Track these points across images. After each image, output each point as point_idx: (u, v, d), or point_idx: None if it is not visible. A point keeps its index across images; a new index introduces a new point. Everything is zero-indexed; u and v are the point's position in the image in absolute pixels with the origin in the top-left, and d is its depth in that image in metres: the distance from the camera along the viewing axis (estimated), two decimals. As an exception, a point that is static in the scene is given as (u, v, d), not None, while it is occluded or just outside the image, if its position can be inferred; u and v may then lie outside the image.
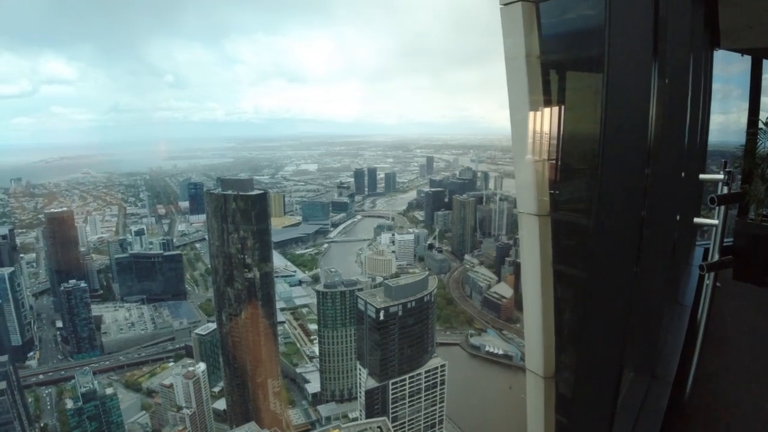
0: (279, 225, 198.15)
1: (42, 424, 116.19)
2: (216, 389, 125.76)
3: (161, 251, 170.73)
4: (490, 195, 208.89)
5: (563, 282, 7.05)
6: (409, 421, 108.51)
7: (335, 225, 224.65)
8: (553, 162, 6.84)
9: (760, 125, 12.61)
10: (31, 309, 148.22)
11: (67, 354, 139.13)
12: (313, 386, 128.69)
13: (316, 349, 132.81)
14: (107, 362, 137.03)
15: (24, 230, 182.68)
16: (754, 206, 11.71)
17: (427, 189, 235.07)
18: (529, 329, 7.37)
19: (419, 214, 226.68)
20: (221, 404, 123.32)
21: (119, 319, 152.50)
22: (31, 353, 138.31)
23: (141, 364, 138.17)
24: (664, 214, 8.38)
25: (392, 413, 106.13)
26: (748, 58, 15.68)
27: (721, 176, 6.31)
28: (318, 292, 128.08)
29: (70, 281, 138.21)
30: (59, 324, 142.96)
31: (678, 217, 9.64)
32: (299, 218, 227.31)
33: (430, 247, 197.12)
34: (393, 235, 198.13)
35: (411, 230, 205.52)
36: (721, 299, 8.32)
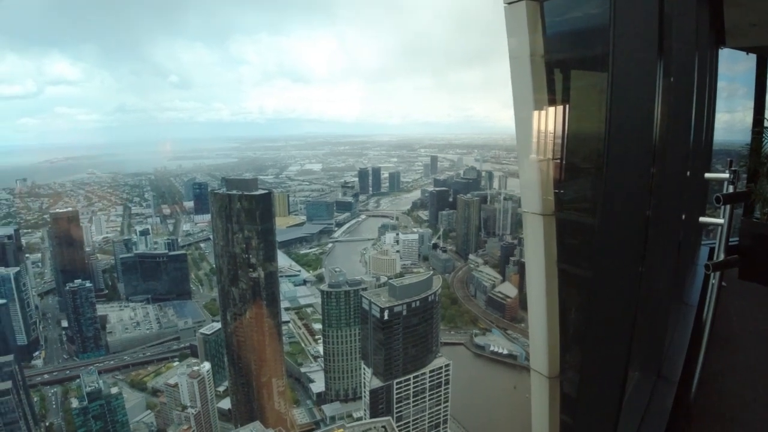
0: (283, 225, 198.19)
1: (47, 424, 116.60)
2: (221, 388, 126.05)
3: (166, 251, 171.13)
4: (495, 194, 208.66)
5: (568, 281, 7.04)
6: (413, 420, 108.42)
7: (339, 225, 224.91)
8: (558, 161, 6.84)
9: (766, 124, 12.54)
10: (37, 309, 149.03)
11: (73, 353, 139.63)
12: (318, 386, 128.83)
13: (321, 349, 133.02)
14: (112, 362, 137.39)
15: (29, 230, 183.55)
16: (759, 205, 11.64)
17: (431, 188, 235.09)
18: (534, 329, 7.36)
19: (423, 214, 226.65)
20: (226, 403, 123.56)
21: (124, 318, 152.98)
22: (37, 353, 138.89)
23: (146, 364, 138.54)
24: (670, 213, 8.36)
25: (397, 413, 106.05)
26: (753, 57, 15.60)
27: (726, 175, 6.28)
28: (322, 291, 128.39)
29: (76, 281, 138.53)
30: (64, 323, 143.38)
31: (683, 217, 9.61)
32: (303, 218, 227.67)
33: (435, 246, 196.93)
34: (397, 234, 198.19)
35: (415, 230, 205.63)
36: (726, 299, 8.28)
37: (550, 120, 6.71)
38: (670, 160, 7.68)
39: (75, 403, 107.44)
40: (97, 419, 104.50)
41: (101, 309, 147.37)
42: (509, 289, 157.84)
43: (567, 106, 6.79)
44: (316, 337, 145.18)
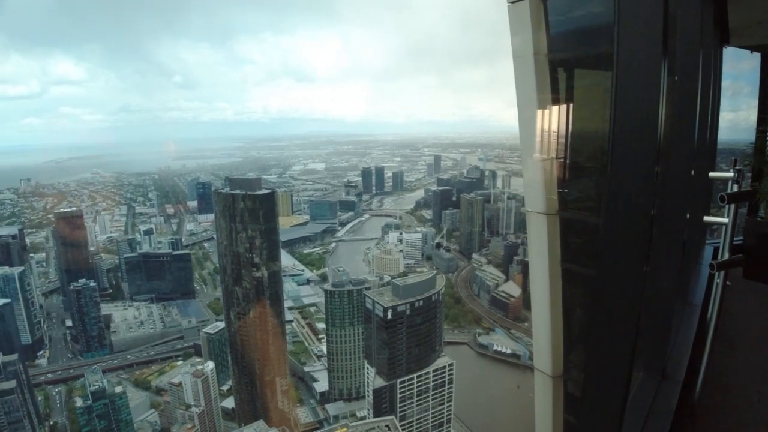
0: (287, 224, 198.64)
1: (51, 423, 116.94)
2: (224, 387, 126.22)
3: (170, 250, 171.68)
4: (498, 193, 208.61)
5: (572, 281, 7.02)
6: (416, 420, 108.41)
7: (343, 224, 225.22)
8: (562, 160, 6.82)
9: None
10: (41, 308, 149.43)
11: (77, 352, 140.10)
12: (321, 385, 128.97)
13: (324, 348, 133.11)
14: (116, 361, 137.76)
15: (34, 230, 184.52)
16: (764, 204, 11.61)
17: (434, 188, 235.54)
18: (538, 328, 7.34)
19: (427, 213, 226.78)
20: (230, 402, 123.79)
21: (128, 317, 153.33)
22: (41, 352, 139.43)
23: (150, 363, 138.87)
24: (674, 212, 8.34)
25: (400, 412, 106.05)
26: (757, 55, 15.54)
27: (730, 174, 6.26)
28: (326, 291, 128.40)
29: (80, 280, 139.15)
30: (69, 323, 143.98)
31: (688, 216, 9.59)
32: (307, 217, 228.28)
33: (438, 246, 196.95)
34: (401, 234, 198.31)
35: (419, 229, 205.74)
36: (731, 298, 8.25)
37: (553, 119, 6.70)
38: (675, 159, 7.66)
39: (79, 402, 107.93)
40: (101, 418, 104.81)
41: (105, 308, 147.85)
42: (513, 289, 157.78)
43: (571, 105, 6.77)
44: (320, 336, 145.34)
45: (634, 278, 5.51)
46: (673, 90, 6.17)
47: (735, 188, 6.21)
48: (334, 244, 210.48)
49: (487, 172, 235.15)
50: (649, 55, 5.03)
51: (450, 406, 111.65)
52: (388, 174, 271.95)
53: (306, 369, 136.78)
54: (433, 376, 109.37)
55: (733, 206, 6.04)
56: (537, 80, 6.52)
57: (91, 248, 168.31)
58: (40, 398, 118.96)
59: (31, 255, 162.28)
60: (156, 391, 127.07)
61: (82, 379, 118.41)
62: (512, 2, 6.51)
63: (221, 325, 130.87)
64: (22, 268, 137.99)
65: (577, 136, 6.64)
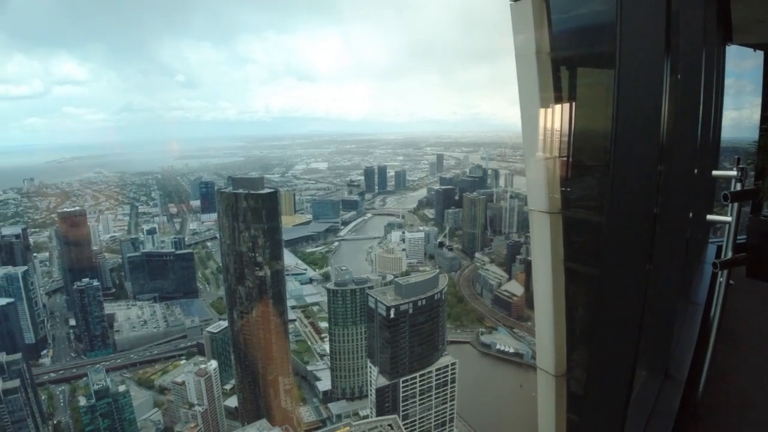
0: (289, 223, 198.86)
1: (55, 422, 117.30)
2: (227, 387, 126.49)
3: (173, 250, 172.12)
4: (501, 192, 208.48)
5: (575, 280, 7.01)
6: (419, 419, 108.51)
7: (345, 223, 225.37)
8: (565, 159, 6.80)
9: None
10: (45, 307, 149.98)
11: (80, 352, 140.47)
12: (324, 384, 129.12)
13: (327, 347, 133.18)
14: (119, 360, 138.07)
15: (37, 229, 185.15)
16: (767, 203, 11.58)
17: (437, 187, 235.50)
18: (541, 327, 7.34)
19: (429, 212, 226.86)
20: (233, 401, 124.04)
21: (132, 317, 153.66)
22: (45, 351, 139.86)
23: (153, 362, 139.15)
24: (677, 211, 8.31)
25: (403, 411, 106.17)
26: (760, 53, 15.48)
27: (734, 173, 6.24)
28: (329, 290, 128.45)
29: (83, 280, 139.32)
30: (72, 322, 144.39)
31: (691, 214, 9.56)
32: (310, 216, 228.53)
33: (441, 245, 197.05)
34: (403, 233, 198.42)
35: (421, 228, 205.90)
36: (734, 297, 8.24)
37: (556, 117, 6.68)
38: (678, 158, 7.64)
39: (83, 401, 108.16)
40: (104, 417, 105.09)
41: (109, 307, 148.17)
42: (515, 288, 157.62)
43: (574, 103, 6.75)
44: (323, 335, 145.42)
45: (637, 277, 5.50)
46: (675, 88, 6.16)
47: (738, 187, 6.20)
48: (336, 243, 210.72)
49: (489, 171, 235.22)
50: (652, 54, 5.02)
51: (453, 405, 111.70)
52: (391, 173, 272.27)
53: (309, 368, 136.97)
54: (436, 375, 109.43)
55: (736, 205, 6.04)
56: (539, 79, 6.51)
57: (95, 248, 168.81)
58: (43, 397, 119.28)
59: (35, 254, 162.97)
60: (159, 390, 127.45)
61: (85, 378, 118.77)
62: (515, 1, 6.50)
63: (224, 324, 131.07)
64: (25, 267, 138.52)
65: (579, 134, 6.62)
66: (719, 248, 7.82)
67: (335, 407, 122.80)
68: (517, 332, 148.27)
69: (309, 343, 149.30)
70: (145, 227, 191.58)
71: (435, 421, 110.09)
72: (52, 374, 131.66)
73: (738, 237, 6.14)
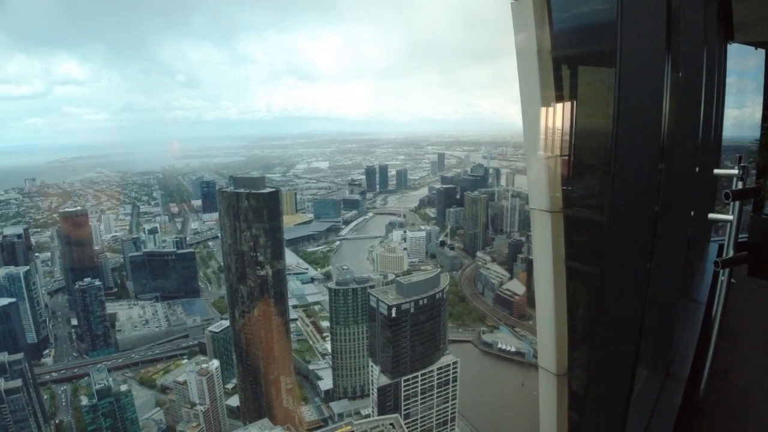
0: (291, 223, 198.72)
1: (57, 421, 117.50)
2: (229, 386, 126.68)
3: (174, 249, 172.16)
4: (502, 192, 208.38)
5: (576, 279, 7.00)
6: (421, 418, 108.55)
7: (347, 222, 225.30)
8: (566, 158, 6.79)
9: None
10: (47, 307, 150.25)
11: (82, 351, 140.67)
12: (326, 383, 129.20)
13: (329, 346, 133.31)
14: (121, 359, 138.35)
15: (39, 229, 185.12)
16: (769, 201, 11.57)
17: (438, 186, 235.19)
18: (542, 326, 7.34)
19: (431, 211, 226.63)
20: (234, 401, 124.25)
21: (133, 316, 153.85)
22: (47, 351, 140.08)
23: (155, 361, 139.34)
24: (678, 209, 8.30)
25: (404, 410, 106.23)
26: (762, 52, 15.43)
27: (735, 171, 6.22)
28: (330, 289, 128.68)
29: (85, 279, 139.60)
30: (74, 322, 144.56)
31: (692, 213, 9.55)
32: (311, 216, 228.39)
33: (442, 244, 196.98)
34: (405, 232, 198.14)
35: (422, 227, 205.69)
36: (735, 296, 8.23)
37: (557, 116, 6.67)
38: (679, 157, 7.64)
39: (84, 401, 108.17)
40: (106, 417, 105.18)
41: (110, 307, 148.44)
42: (517, 287, 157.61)
43: (574, 102, 6.74)
44: (324, 334, 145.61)
45: (639, 276, 5.49)
46: (677, 87, 6.15)
47: (740, 185, 6.19)
48: (338, 243, 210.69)
49: (491, 170, 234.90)
50: (653, 52, 5.01)
51: (454, 404, 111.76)
52: (392, 172, 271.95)
53: (310, 367, 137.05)
54: (438, 374, 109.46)
55: (737, 203, 6.03)
56: (540, 77, 6.50)
57: (96, 247, 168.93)
58: (45, 397, 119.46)
59: (37, 254, 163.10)
60: (161, 390, 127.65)
61: (87, 378, 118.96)
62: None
63: (226, 323, 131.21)
64: (27, 267, 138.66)
65: (580, 133, 6.61)
66: (721, 247, 7.83)
67: (337, 406, 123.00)
68: (519, 331, 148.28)
69: (310, 342, 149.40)
70: (147, 227, 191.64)
71: (436, 420, 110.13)
72: (54, 374, 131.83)
73: (739, 236, 6.13)
